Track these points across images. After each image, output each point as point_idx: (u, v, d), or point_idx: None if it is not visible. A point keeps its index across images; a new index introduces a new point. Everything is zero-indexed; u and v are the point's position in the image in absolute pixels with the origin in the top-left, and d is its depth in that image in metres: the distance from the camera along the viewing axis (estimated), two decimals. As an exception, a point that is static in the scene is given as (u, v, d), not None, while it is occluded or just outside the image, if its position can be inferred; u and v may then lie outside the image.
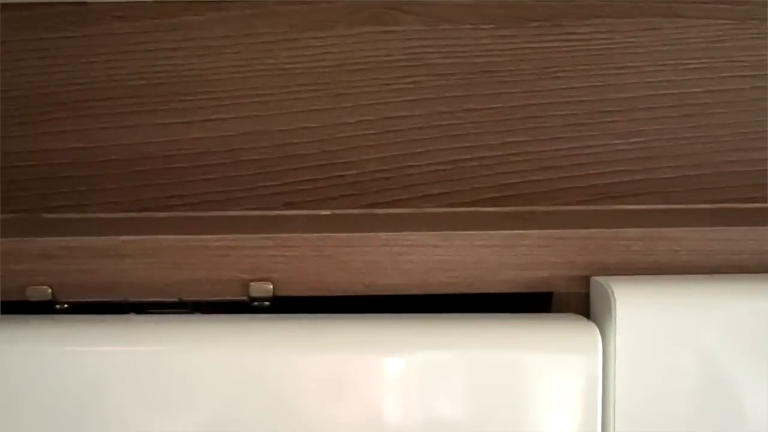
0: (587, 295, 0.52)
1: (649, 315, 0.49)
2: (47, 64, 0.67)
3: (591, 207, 0.68)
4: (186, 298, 0.51)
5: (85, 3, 0.66)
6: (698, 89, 0.69)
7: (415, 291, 0.51)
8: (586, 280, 0.51)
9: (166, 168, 0.67)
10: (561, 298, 0.52)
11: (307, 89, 0.67)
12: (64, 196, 0.67)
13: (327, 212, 0.66)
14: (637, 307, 0.49)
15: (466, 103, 0.68)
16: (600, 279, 0.50)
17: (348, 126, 0.68)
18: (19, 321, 0.50)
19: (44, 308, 0.51)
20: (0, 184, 0.66)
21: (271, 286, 0.51)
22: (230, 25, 0.67)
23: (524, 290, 0.51)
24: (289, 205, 0.67)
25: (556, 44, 0.68)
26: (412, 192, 0.68)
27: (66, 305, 0.52)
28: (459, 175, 0.68)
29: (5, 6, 0.66)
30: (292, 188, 0.67)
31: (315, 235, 0.51)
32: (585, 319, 0.51)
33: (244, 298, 0.51)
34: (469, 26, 0.68)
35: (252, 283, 0.51)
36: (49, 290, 0.50)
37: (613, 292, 0.49)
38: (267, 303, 0.52)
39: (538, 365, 0.48)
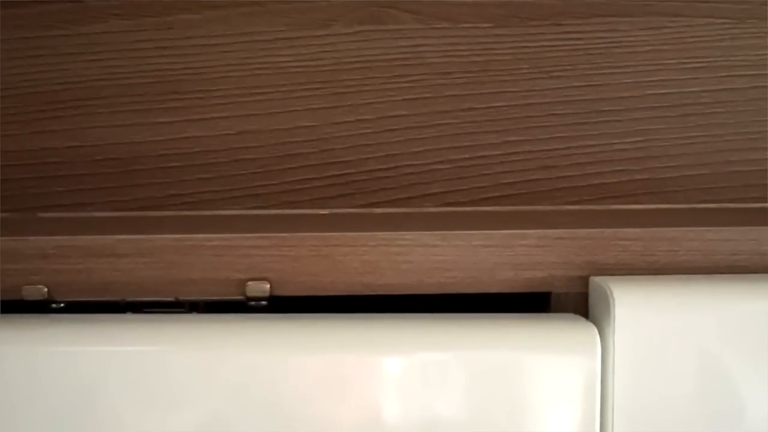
0: (586, 296, 0.51)
1: (647, 315, 0.48)
2: (43, 63, 0.66)
3: (590, 207, 0.67)
4: (182, 297, 0.51)
5: (81, 1, 0.66)
6: (698, 88, 0.69)
7: (413, 291, 0.51)
8: (584, 280, 0.51)
9: (163, 167, 0.67)
10: (559, 299, 0.52)
11: (305, 88, 0.67)
12: (60, 195, 0.67)
13: (325, 211, 0.65)
14: (636, 308, 0.48)
15: (464, 102, 0.68)
16: (599, 279, 0.50)
17: (346, 125, 0.67)
18: (15, 320, 0.50)
19: (40, 308, 0.51)
20: (-4, 183, 0.66)
21: (268, 286, 0.50)
22: (227, 23, 0.67)
23: (522, 290, 0.51)
24: (287, 205, 0.67)
25: (556, 43, 0.68)
26: (410, 191, 0.68)
27: (62, 305, 0.51)
28: (457, 175, 0.68)
29: (2, 4, 0.66)
30: (290, 187, 0.67)
31: (312, 234, 0.51)
32: (583, 319, 0.50)
33: (241, 297, 0.51)
34: (467, 25, 0.68)
35: (249, 283, 0.50)
36: (45, 289, 0.50)
37: (611, 293, 0.48)
38: (264, 303, 0.51)
39: (537, 365, 0.48)
